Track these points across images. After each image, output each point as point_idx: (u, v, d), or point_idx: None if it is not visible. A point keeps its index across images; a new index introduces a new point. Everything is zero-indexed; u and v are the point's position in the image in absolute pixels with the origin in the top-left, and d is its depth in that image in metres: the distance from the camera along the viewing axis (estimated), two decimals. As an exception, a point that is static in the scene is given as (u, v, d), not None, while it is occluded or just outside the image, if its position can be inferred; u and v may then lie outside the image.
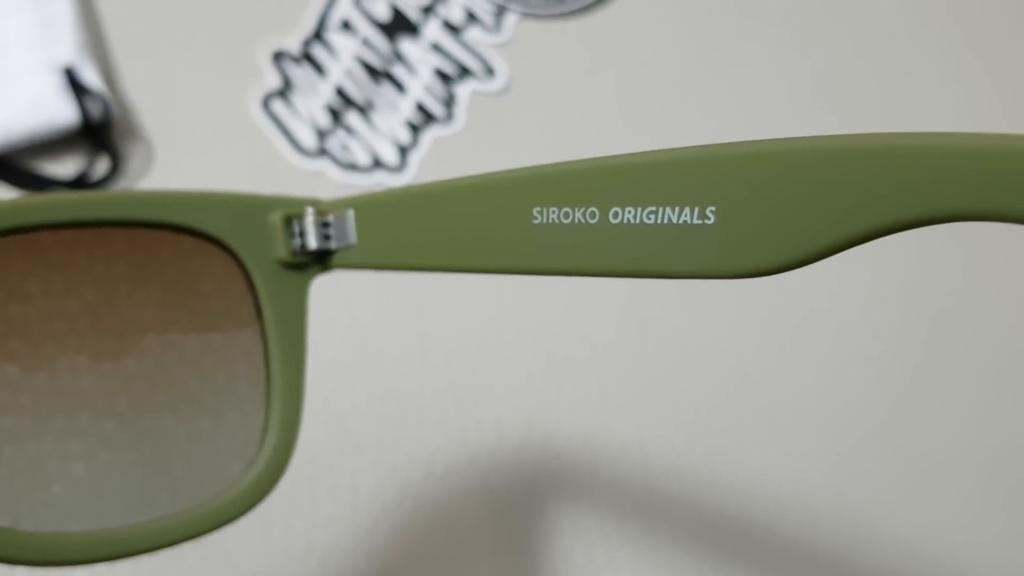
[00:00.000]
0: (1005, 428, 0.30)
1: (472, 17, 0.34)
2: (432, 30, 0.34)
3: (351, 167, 0.31)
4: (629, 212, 0.13)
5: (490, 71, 0.33)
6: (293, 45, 0.33)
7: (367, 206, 0.16)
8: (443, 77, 0.33)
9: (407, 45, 0.33)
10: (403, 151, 0.32)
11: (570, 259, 0.14)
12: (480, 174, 0.15)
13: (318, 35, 0.33)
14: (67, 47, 0.30)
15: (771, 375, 0.30)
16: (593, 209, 0.14)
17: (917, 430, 0.30)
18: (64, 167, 0.29)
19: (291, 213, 0.16)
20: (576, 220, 0.14)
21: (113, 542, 0.15)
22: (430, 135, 0.32)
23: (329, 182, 0.31)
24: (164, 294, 0.16)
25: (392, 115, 0.32)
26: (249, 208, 0.16)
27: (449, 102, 0.33)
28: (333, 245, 0.16)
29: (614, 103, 0.34)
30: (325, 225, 0.16)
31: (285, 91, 0.32)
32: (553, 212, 0.14)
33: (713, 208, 0.12)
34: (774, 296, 0.31)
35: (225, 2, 0.33)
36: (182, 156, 0.30)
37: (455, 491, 0.27)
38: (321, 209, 0.16)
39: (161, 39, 0.32)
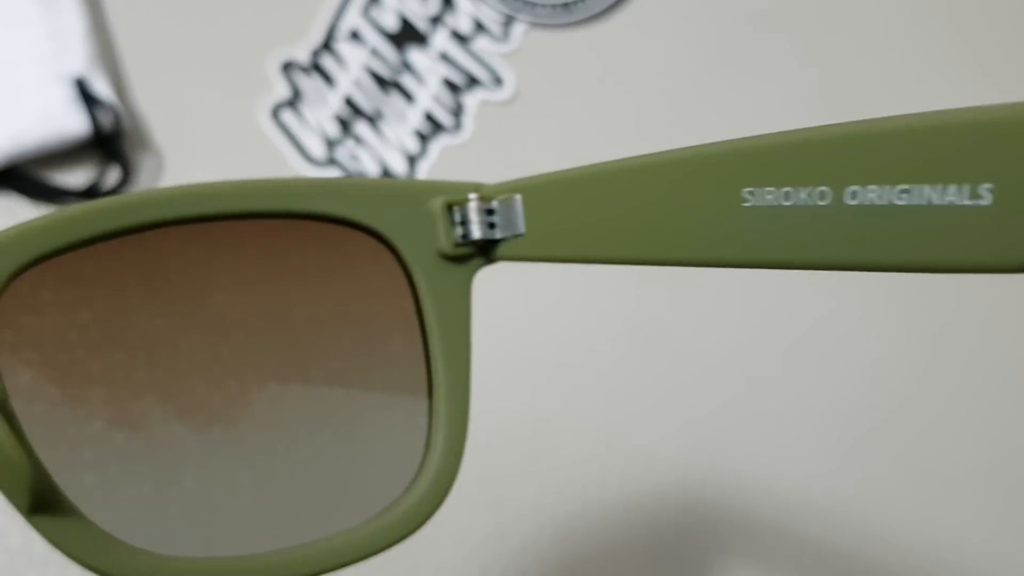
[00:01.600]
0: (1007, 429, 0.30)
1: (480, 27, 0.34)
2: (440, 40, 0.34)
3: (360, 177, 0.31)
4: (872, 192, 0.11)
5: (498, 80, 0.33)
6: (302, 55, 0.33)
7: (537, 190, 0.14)
8: (451, 87, 0.33)
9: (415, 55, 0.34)
10: (411, 160, 0.32)
11: (791, 248, 0.12)
12: (675, 149, 0.13)
13: (327, 45, 0.33)
14: (78, 59, 0.30)
15: (775, 380, 0.30)
16: (823, 189, 0.11)
17: (921, 432, 0.30)
18: (75, 177, 0.30)
19: (453, 200, 0.14)
20: (800, 202, 0.12)
21: (277, 566, 0.13)
22: (438, 144, 0.32)
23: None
24: (315, 292, 0.15)
25: (400, 125, 0.32)
26: (407, 195, 0.14)
27: (457, 111, 0.33)
28: (499, 234, 0.14)
29: (623, 112, 0.34)
30: (490, 212, 0.14)
31: (294, 101, 0.32)
32: (770, 193, 0.12)
33: (990, 186, 0.10)
34: (780, 300, 0.31)
35: (234, 13, 0.33)
36: (192, 166, 0.31)
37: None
38: (485, 194, 0.14)
39: (171, 50, 0.32)
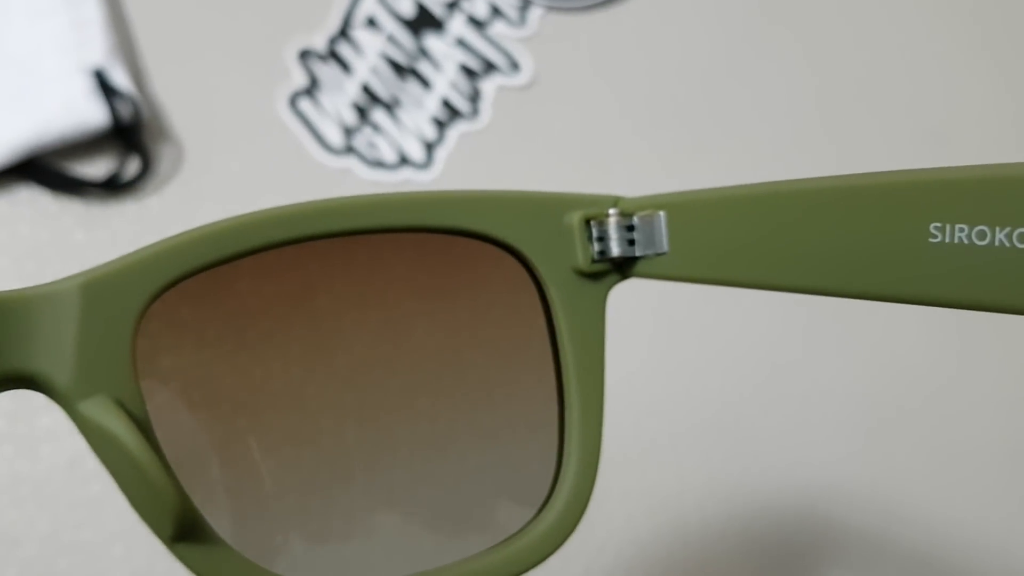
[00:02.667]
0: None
1: (497, 11, 0.34)
2: (457, 25, 0.34)
3: (378, 164, 0.31)
4: None
5: (515, 66, 0.33)
6: (319, 43, 0.33)
7: (683, 208, 0.13)
8: (468, 72, 0.33)
9: (432, 41, 0.33)
10: (429, 148, 0.32)
11: (981, 290, 0.11)
12: (851, 176, 0.12)
13: (343, 33, 0.33)
14: (98, 50, 0.30)
15: (798, 366, 0.30)
16: (1022, 230, 0.11)
17: (946, 416, 0.30)
18: (95, 168, 0.30)
19: (591, 214, 0.14)
20: (996, 242, 0.11)
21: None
22: (456, 131, 0.32)
23: (355, 179, 0.31)
24: (448, 307, 0.14)
25: (418, 111, 0.32)
26: (543, 209, 0.13)
27: (475, 98, 0.33)
28: (638, 252, 0.14)
29: (642, 96, 0.34)
30: (630, 228, 0.14)
31: (312, 89, 0.32)
32: (961, 231, 0.11)
33: None
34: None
35: (251, 3, 0.33)
36: (211, 155, 0.31)
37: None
38: (624, 209, 0.14)
39: (189, 40, 0.32)
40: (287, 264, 0.13)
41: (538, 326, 0.14)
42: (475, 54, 0.33)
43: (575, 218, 0.14)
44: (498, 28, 0.34)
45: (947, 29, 0.36)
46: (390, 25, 0.33)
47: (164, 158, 0.31)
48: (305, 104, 0.32)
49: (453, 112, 0.32)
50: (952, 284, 0.11)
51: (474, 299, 0.14)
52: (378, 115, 0.32)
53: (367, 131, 0.32)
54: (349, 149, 0.31)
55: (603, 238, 0.14)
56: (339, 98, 0.32)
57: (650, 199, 0.14)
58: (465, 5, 0.34)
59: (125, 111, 0.29)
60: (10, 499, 0.25)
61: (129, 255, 0.12)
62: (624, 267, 0.14)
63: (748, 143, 0.33)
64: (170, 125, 0.31)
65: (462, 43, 0.33)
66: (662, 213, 0.14)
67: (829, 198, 0.12)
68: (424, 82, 0.33)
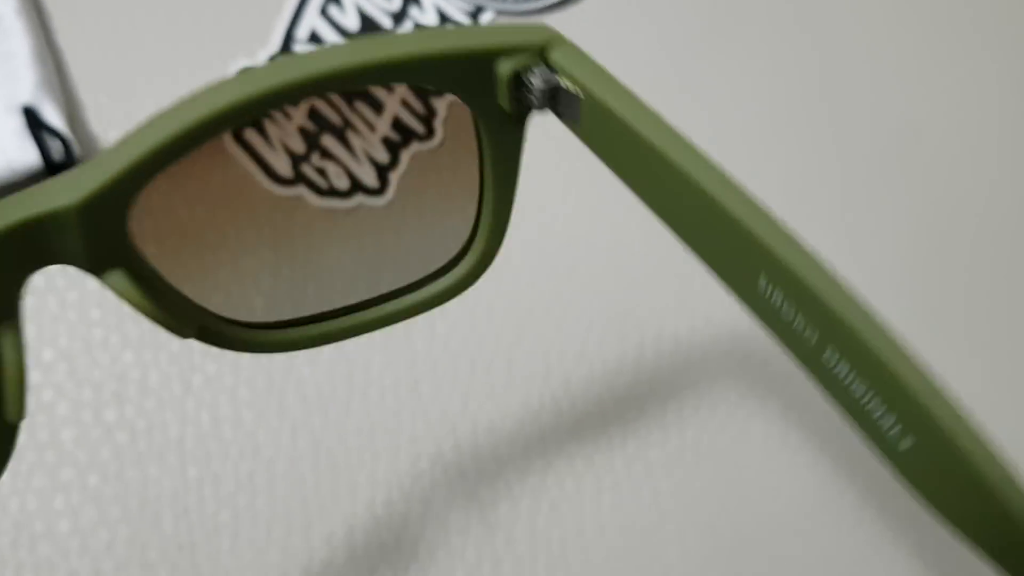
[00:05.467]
0: None
1: (445, 19, 0.33)
2: (405, 38, 0.32)
3: (329, 192, 0.30)
4: (841, 367, 0.13)
5: (468, 79, 0.32)
6: (261, 64, 0.31)
7: (598, 108, 0.15)
8: (420, 90, 0.32)
9: (380, 56, 0.32)
10: (382, 171, 0.30)
11: (778, 335, 0.14)
12: (740, 194, 0.14)
13: (286, 50, 0.32)
14: (26, 85, 0.28)
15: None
16: (817, 336, 0.13)
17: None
18: (30, 210, 0.28)
19: (520, 66, 0.16)
20: (796, 327, 0.14)
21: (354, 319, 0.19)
22: (409, 152, 0.31)
23: (307, 207, 0.30)
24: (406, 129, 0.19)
25: (368, 133, 0.31)
26: (478, 58, 0.16)
27: (428, 116, 0.31)
28: (556, 109, 0.16)
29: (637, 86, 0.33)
30: (553, 91, 0.16)
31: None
32: (778, 296, 0.14)
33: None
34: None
35: (189, 26, 0.32)
36: (152, 190, 0.29)
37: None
38: (554, 65, 0.16)
39: (124, 68, 0.31)
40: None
41: (472, 144, 0.18)
42: (425, 68, 0.32)
43: (504, 72, 0.16)
44: (448, 39, 0.32)
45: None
46: (334, 40, 0.32)
47: (103, 195, 0.29)
48: (249, 133, 0.30)
49: (406, 132, 0.31)
50: (761, 314, 0.15)
51: (424, 125, 0.19)
52: (327, 140, 0.31)
53: (315, 158, 0.30)
54: (299, 177, 0.30)
55: (527, 91, 0.16)
56: (285, 124, 0.31)
57: (581, 67, 0.16)
58: (414, 13, 0.33)
59: (56, 150, 0.28)
60: None
61: (106, 164, 0.14)
62: (544, 108, 0.17)
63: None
64: (107, 159, 0.29)
65: (412, 56, 0.32)
66: (582, 98, 0.16)
67: (703, 199, 0.14)
68: (373, 103, 0.31)
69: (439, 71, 0.15)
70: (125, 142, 0.14)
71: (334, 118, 0.28)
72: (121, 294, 0.15)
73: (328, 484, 0.26)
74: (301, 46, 0.32)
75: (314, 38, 0.32)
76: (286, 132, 0.21)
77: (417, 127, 0.31)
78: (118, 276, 0.15)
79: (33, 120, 0.28)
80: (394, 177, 0.31)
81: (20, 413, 0.15)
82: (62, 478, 0.25)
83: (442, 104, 0.18)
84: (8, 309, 0.15)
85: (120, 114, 0.30)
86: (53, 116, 0.28)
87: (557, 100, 0.16)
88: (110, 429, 0.26)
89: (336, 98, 0.26)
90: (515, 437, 0.27)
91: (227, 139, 0.17)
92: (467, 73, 0.15)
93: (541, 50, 0.16)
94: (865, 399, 0.14)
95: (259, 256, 0.19)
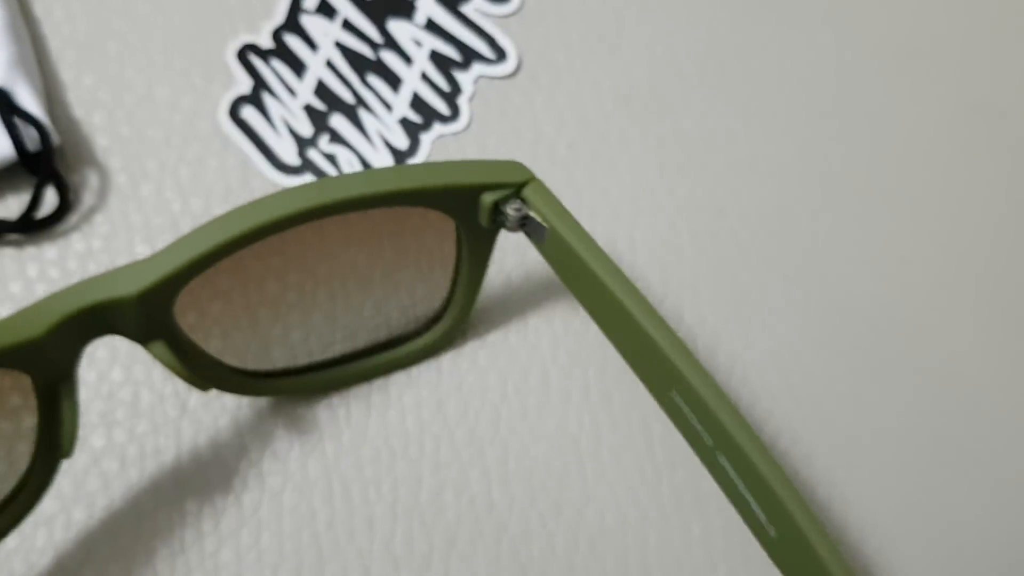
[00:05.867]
0: None
1: (470, -15, 0.29)
2: (426, 4, 0.29)
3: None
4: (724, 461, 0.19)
5: (497, 50, 0.28)
6: (264, 38, 0.28)
7: (558, 242, 0.20)
8: (442, 62, 0.28)
9: (398, 25, 0.28)
10: (400, 157, 0.27)
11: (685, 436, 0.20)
12: (655, 319, 0.19)
13: (291, 22, 0.28)
14: (-3, 65, 0.25)
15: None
16: (710, 443, 0.19)
17: None
18: (7, 207, 0.25)
19: (500, 199, 0.20)
20: (692, 426, 0.19)
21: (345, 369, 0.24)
22: (430, 136, 0.27)
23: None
24: (395, 234, 0.21)
25: (385, 114, 0.27)
26: (469, 190, 0.20)
27: (451, 93, 0.28)
28: (527, 233, 0.20)
29: (643, 77, 0.29)
30: (524, 220, 0.20)
31: (257, 93, 0.27)
32: (686, 408, 0.19)
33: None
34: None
35: (179, -8, 0.28)
36: (141, 181, 0.26)
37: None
38: (527, 200, 0.20)
39: (109, 43, 0.27)
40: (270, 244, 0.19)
41: (451, 248, 0.22)
42: (449, 39, 0.28)
43: (487, 202, 0.20)
44: (476, 4, 0.29)
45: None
46: (346, 8, 0.28)
47: (86, 185, 0.26)
48: (249, 112, 0.27)
49: (426, 112, 0.27)
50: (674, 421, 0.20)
51: (415, 232, 0.21)
52: (336, 120, 0.27)
53: (323, 141, 0.27)
54: (305, 164, 0.27)
55: (503, 217, 0.20)
56: (290, 102, 0.27)
57: (547, 204, 0.20)
58: (434, -23, 0.29)
59: (31, 137, 0.24)
60: None
61: (151, 267, 0.18)
62: (516, 230, 0.20)
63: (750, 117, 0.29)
64: (90, 145, 0.26)
65: (433, 26, 0.28)
66: (546, 228, 0.20)
67: (630, 324, 0.19)
68: (390, 77, 0.28)
69: (437, 197, 0.19)
70: (180, 244, 0.17)
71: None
72: (162, 361, 0.18)
73: (342, 517, 0.23)
74: (308, 17, 0.28)
75: (323, 7, 0.28)
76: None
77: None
78: (160, 346, 0.18)
79: (5, 105, 0.24)
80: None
81: (69, 453, 0.19)
82: (45, 511, 0.22)
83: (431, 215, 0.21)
84: (68, 373, 0.18)
85: (107, 96, 0.27)
86: (28, 100, 0.25)
87: (527, 225, 0.20)
88: (97, 457, 0.23)
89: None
90: (549, 463, 0.24)
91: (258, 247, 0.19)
92: (457, 199, 0.20)
93: (518, 187, 0.20)
94: (745, 493, 0.18)
95: (272, 325, 0.22)
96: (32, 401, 0.18)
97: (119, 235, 0.25)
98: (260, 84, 0.27)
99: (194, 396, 0.24)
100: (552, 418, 0.25)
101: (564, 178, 0.27)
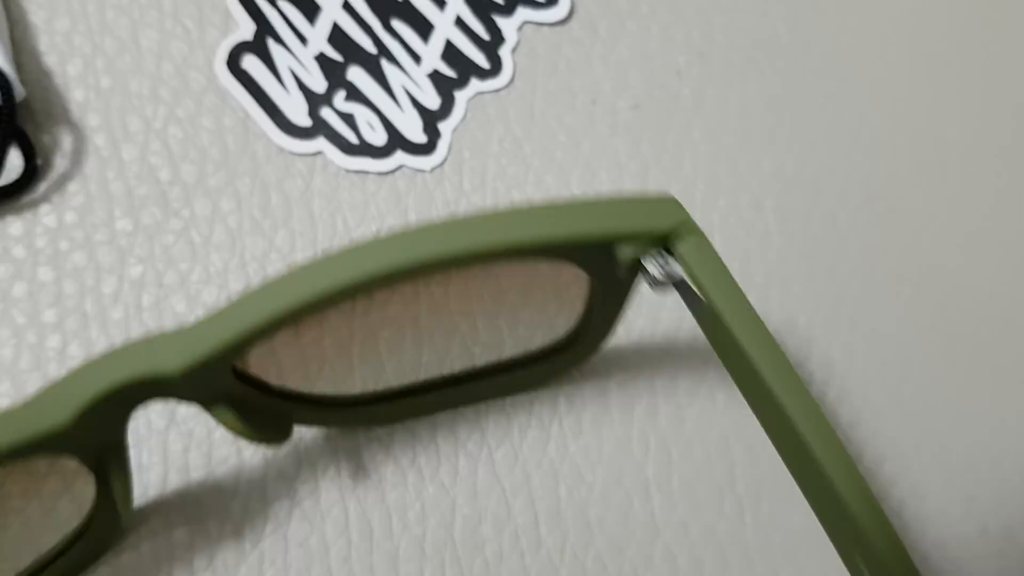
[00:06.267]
0: None
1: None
2: (461, -62, 0.24)
3: (357, 147, 0.22)
4: None
5: (545, -8, 0.24)
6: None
7: (719, 325, 0.15)
8: (480, 5, 0.24)
9: (427, -38, 0.24)
10: (430, 118, 0.23)
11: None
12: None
13: (303, -45, 0.24)
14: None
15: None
16: None
17: None
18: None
19: (641, 253, 0.16)
20: None
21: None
22: (466, 94, 0.23)
23: (331, 166, 0.22)
24: (536, 282, 0.18)
25: (412, 66, 0.23)
26: (603, 241, 0.16)
27: (492, 43, 0.23)
28: (680, 291, 0.16)
29: (722, 25, 0.25)
30: (675, 282, 0.16)
31: (261, 40, 0.23)
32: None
33: None
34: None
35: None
36: (123, 143, 0.22)
37: None
38: (673, 250, 0.15)
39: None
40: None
41: (583, 292, 0.18)
42: (488, -22, 0.24)
43: (625, 258, 0.16)
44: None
45: None
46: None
47: (58, 148, 0.22)
48: (252, 62, 0.23)
49: (462, 66, 0.23)
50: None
51: (551, 278, 0.18)
52: (354, 72, 0.23)
53: (339, 98, 0.23)
54: (317, 125, 0.22)
55: (647, 276, 0.16)
56: (300, 51, 0.23)
57: (704, 266, 0.15)
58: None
59: (-9, 90, 0.20)
60: None
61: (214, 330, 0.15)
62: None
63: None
64: (63, 101, 0.22)
65: (469, -38, 0.24)
66: (702, 301, 0.15)
67: (808, 454, 0.14)
68: (420, 23, 0.23)
69: (561, 251, 0.15)
70: (243, 303, 0.15)
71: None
72: (228, 427, 0.16)
73: (359, 553, 0.19)
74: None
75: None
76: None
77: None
78: (224, 410, 0.16)
79: (-42, 49, 0.20)
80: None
81: (127, 516, 0.17)
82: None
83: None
84: (116, 442, 0.16)
85: (84, 42, 0.23)
86: (-14, 43, 0.21)
87: (679, 288, 0.16)
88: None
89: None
90: (607, 493, 0.20)
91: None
92: (586, 253, 0.16)
93: (665, 238, 0.15)
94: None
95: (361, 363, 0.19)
96: (85, 474, 0.16)
97: (96, 207, 0.21)
98: (265, 29, 0.23)
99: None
100: (611, 438, 0.20)
101: (627, 148, 0.23)
